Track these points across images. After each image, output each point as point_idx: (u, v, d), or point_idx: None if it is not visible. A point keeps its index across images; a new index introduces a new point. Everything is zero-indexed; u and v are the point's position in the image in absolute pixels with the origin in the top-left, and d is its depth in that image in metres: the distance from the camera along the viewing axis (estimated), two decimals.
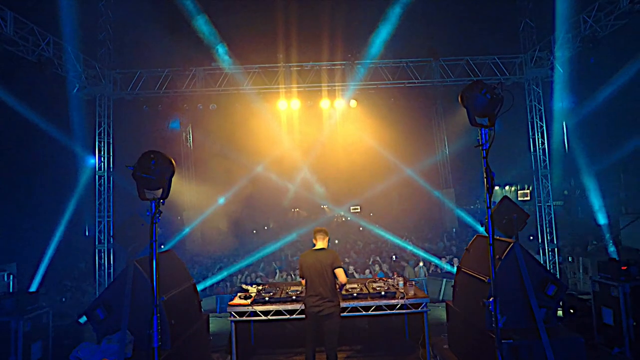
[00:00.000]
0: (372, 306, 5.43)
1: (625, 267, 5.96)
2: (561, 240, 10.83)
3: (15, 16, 7.85)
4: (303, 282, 5.10)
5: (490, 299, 3.24)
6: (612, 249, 10.16)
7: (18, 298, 5.88)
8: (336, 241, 16.69)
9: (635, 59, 9.71)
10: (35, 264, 10.61)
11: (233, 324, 5.41)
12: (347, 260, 12.87)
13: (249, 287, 6.10)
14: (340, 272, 4.96)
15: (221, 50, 10.45)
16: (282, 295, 5.64)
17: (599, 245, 11.38)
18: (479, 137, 3.22)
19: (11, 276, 8.41)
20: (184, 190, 17.12)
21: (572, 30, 9.07)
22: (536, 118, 10.69)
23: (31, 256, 10.86)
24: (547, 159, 10.60)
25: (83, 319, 5.01)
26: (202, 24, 10.11)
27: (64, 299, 10.56)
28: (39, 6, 8.75)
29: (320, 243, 5.16)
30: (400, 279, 6.01)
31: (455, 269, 6.91)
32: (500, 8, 11.83)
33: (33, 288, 9.76)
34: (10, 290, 8.11)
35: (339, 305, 5.00)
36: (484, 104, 3.14)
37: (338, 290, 5.08)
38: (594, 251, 11.06)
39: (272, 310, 5.45)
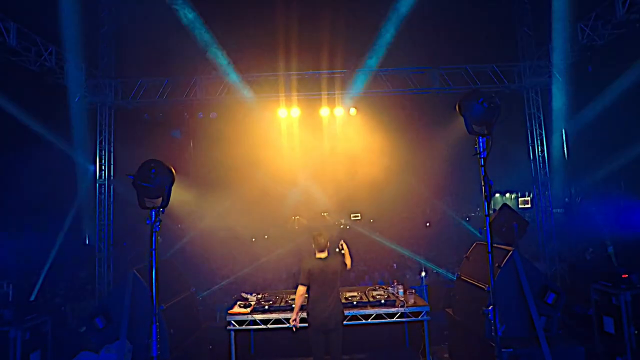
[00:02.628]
0: (372, 314, 5.42)
1: (626, 275, 5.93)
2: (561, 248, 10.79)
3: (18, 27, 7.96)
4: (304, 288, 4.98)
5: (490, 307, 3.24)
6: (613, 257, 10.12)
7: (17, 307, 5.86)
8: (336, 250, 16.61)
9: (633, 68, 9.75)
10: (35, 273, 10.57)
11: (232, 332, 5.40)
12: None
13: (249, 296, 6.09)
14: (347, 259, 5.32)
15: (221, 58, 10.53)
16: (282, 304, 5.63)
17: (599, 253, 11.33)
18: (477, 146, 3.25)
19: (10, 285, 8.37)
20: (184, 198, 17.11)
21: (570, 39, 9.13)
22: (535, 126, 10.72)
23: (30, 265, 10.83)
24: (547, 167, 10.60)
25: (82, 328, 5.01)
26: (202, 33, 10.19)
27: (63, 308, 10.49)
28: (41, 17, 8.84)
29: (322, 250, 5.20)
30: (401, 287, 6.00)
31: (455, 277, 6.89)
32: (499, 17, 11.91)
33: (32, 297, 9.72)
34: (9, 299, 8.08)
35: (344, 313, 5.07)
36: (481, 112, 3.18)
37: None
38: (594, 259, 11.00)
39: (271, 319, 5.44)
